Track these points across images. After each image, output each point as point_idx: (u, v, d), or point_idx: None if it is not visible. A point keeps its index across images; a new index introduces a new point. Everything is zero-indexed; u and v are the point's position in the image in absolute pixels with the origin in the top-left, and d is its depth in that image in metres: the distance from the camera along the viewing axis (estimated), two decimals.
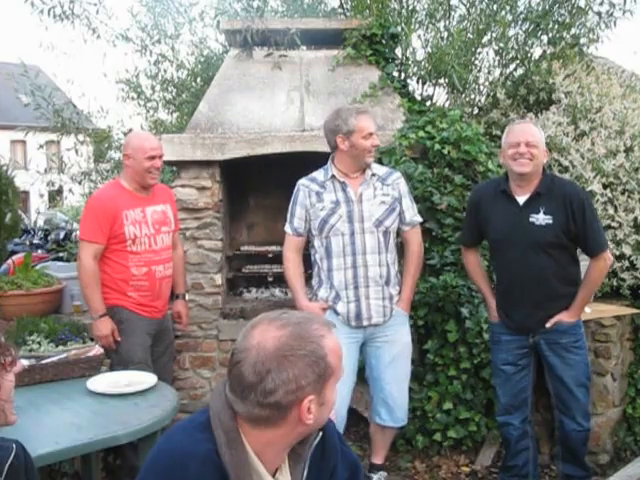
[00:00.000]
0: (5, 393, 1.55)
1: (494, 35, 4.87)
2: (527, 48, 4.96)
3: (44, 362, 2.74)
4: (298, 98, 4.26)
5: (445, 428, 3.71)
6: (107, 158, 6.01)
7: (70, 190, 6.66)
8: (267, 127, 4.14)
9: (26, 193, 15.99)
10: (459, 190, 3.76)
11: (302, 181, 3.20)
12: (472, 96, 5.04)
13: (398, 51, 4.70)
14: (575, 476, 3.13)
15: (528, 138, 2.91)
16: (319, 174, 3.18)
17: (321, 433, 1.49)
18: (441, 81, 4.84)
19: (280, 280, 4.17)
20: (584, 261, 3.09)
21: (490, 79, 5.07)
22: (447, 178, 3.79)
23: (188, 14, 5.88)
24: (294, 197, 3.19)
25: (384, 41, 4.38)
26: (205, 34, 5.96)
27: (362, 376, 3.31)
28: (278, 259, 3.60)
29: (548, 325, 2.98)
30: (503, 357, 3.10)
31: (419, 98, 4.77)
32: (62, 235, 7.69)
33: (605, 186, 3.91)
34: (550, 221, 2.90)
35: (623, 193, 3.91)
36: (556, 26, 4.86)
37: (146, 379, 2.74)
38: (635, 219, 3.85)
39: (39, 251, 6.87)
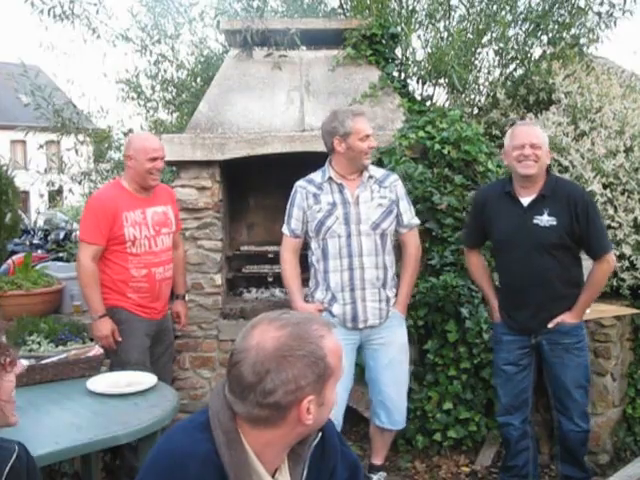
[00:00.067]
0: (5, 394, 1.53)
1: (494, 35, 4.88)
2: (527, 48, 4.96)
3: (44, 362, 2.74)
4: (298, 98, 4.26)
5: (445, 428, 3.71)
6: (107, 158, 6.00)
7: (70, 190, 6.66)
8: (267, 127, 4.14)
9: (26, 193, 15.99)
10: (459, 190, 3.76)
11: (299, 183, 3.20)
12: (472, 96, 5.05)
13: (398, 51, 4.70)
14: (574, 477, 3.13)
15: (533, 140, 2.91)
16: (316, 176, 3.18)
17: (321, 433, 1.49)
18: (441, 81, 4.84)
19: (280, 280, 4.16)
20: (584, 261, 3.09)
21: (490, 79, 5.07)
22: (447, 178, 3.79)
23: (188, 14, 5.88)
24: (291, 198, 3.19)
25: (384, 41, 4.38)
26: (205, 34, 5.96)
27: (363, 377, 3.31)
28: (278, 259, 3.59)
29: (550, 325, 2.98)
30: (504, 357, 3.10)
31: (419, 98, 4.77)
32: (62, 235, 7.68)
33: (605, 186, 3.90)
34: (554, 222, 2.90)
35: (623, 193, 3.91)
36: (556, 26, 4.87)
37: (146, 379, 2.74)
38: (635, 219, 3.85)
39: (39, 251, 6.86)
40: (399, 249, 3.34)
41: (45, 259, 5.83)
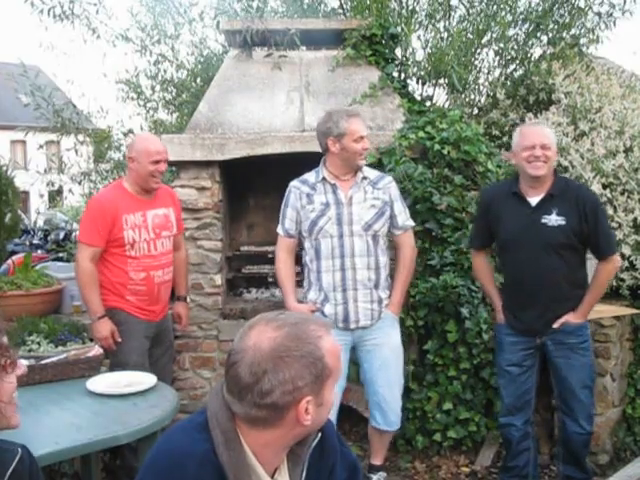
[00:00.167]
0: (5, 395, 1.52)
1: (494, 35, 4.88)
2: (527, 48, 4.96)
3: (44, 362, 2.74)
4: (298, 98, 4.26)
5: (445, 428, 3.71)
6: (107, 158, 6.00)
7: (70, 190, 6.65)
8: (267, 127, 4.14)
9: (26, 193, 15.98)
10: (459, 190, 3.76)
11: (293, 183, 3.21)
12: (472, 96, 5.05)
13: (398, 51, 4.70)
14: (575, 478, 3.13)
15: (543, 140, 2.91)
16: (310, 176, 3.19)
17: (320, 434, 1.49)
18: (441, 81, 4.84)
19: None
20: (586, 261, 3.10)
21: (490, 79, 5.07)
22: (447, 178, 3.79)
23: (188, 14, 5.88)
24: (285, 198, 3.20)
25: (384, 41, 4.38)
26: (205, 34, 5.95)
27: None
28: None
29: (555, 325, 2.98)
30: (508, 358, 3.10)
31: (419, 98, 4.77)
32: (62, 235, 7.67)
33: (605, 186, 3.90)
34: (563, 222, 2.91)
35: (623, 193, 3.91)
36: (556, 26, 4.87)
37: (146, 379, 2.74)
38: (635, 219, 3.85)
39: (39, 251, 6.85)
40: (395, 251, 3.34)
41: (45, 259, 5.82)
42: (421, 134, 3.85)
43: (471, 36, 4.81)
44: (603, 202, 3.85)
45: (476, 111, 5.01)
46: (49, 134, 5.85)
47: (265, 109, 4.21)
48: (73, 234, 7.25)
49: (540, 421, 3.64)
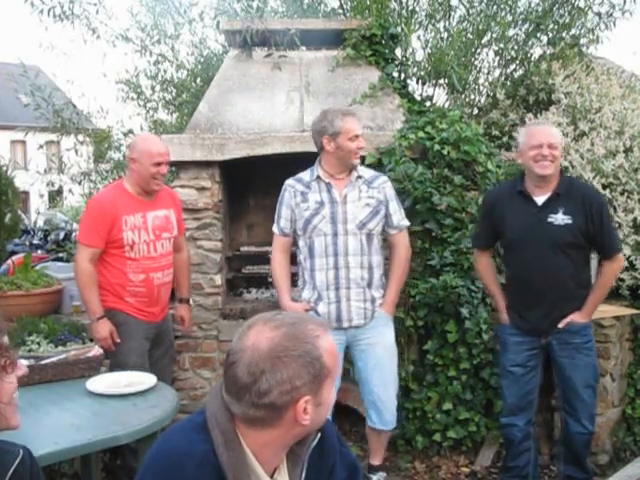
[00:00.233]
0: (5, 396, 1.52)
1: (494, 36, 4.88)
2: (527, 48, 4.97)
3: (43, 363, 2.74)
4: (298, 98, 4.26)
5: (445, 428, 3.71)
6: (107, 158, 6.00)
7: (70, 190, 6.65)
8: (267, 127, 4.14)
9: (26, 193, 15.98)
10: (459, 190, 3.76)
11: (288, 181, 3.21)
12: (472, 96, 5.05)
13: (398, 51, 4.70)
14: (576, 478, 3.13)
15: (551, 140, 2.91)
16: (305, 174, 3.19)
17: (320, 434, 1.49)
18: (441, 81, 4.84)
19: None
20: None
21: (490, 79, 5.08)
22: (447, 178, 3.79)
23: (188, 14, 5.88)
24: (280, 197, 3.21)
25: (384, 41, 4.38)
26: (205, 34, 5.95)
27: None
28: None
29: (561, 325, 2.97)
30: (512, 358, 3.09)
31: (419, 98, 4.77)
32: (62, 235, 7.68)
33: (604, 187, 3.90)
34: (570, 221, 2.91)
35: (622, 194, 3.91)
36: (556, 26, 4.87)
37: (146, 380, 2.74)
38: (634, 219, 3.85)
39: (39, 251, 6.86)
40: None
41: (45, 259, 5.82)
42: (421, 134, 3.85)
43: (471, 36, 4.81)
44: None
45: (476, 111, 5.01)
46: (49, 134, 5.85)
47: (265, 109, 4.22)
48: (73, 234, 7.25)
49: (540, 421, 3.64)
